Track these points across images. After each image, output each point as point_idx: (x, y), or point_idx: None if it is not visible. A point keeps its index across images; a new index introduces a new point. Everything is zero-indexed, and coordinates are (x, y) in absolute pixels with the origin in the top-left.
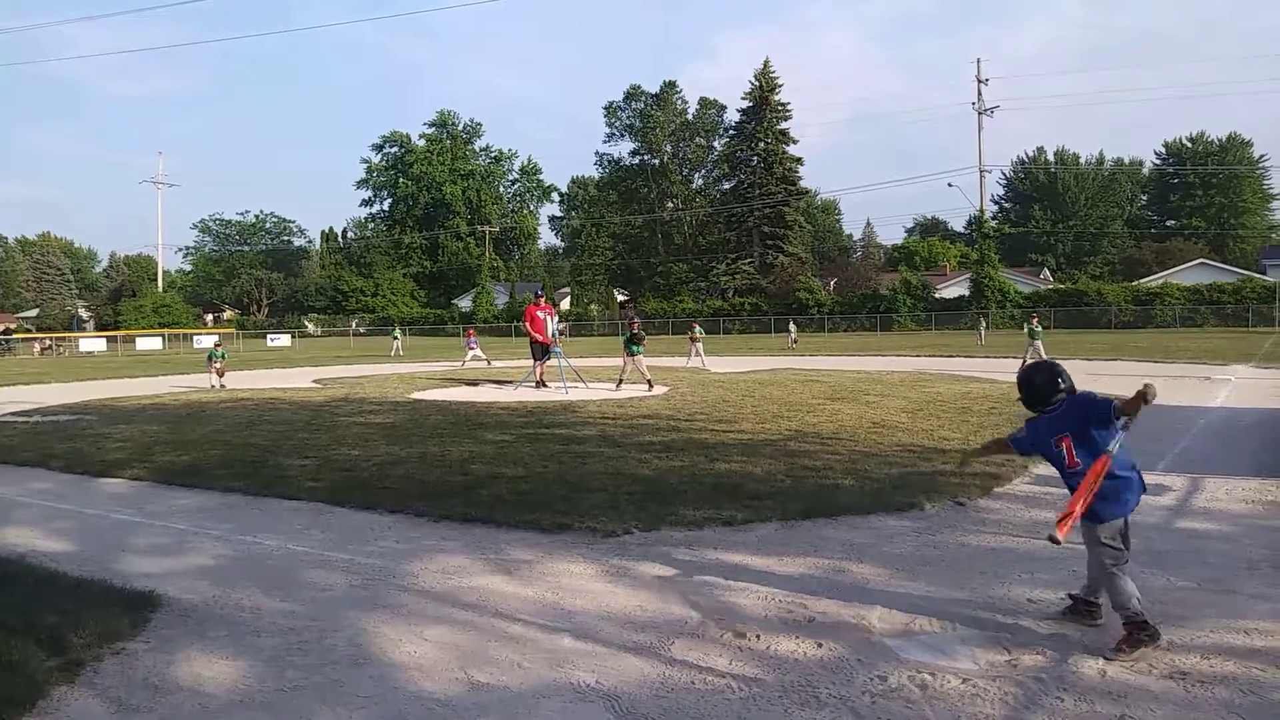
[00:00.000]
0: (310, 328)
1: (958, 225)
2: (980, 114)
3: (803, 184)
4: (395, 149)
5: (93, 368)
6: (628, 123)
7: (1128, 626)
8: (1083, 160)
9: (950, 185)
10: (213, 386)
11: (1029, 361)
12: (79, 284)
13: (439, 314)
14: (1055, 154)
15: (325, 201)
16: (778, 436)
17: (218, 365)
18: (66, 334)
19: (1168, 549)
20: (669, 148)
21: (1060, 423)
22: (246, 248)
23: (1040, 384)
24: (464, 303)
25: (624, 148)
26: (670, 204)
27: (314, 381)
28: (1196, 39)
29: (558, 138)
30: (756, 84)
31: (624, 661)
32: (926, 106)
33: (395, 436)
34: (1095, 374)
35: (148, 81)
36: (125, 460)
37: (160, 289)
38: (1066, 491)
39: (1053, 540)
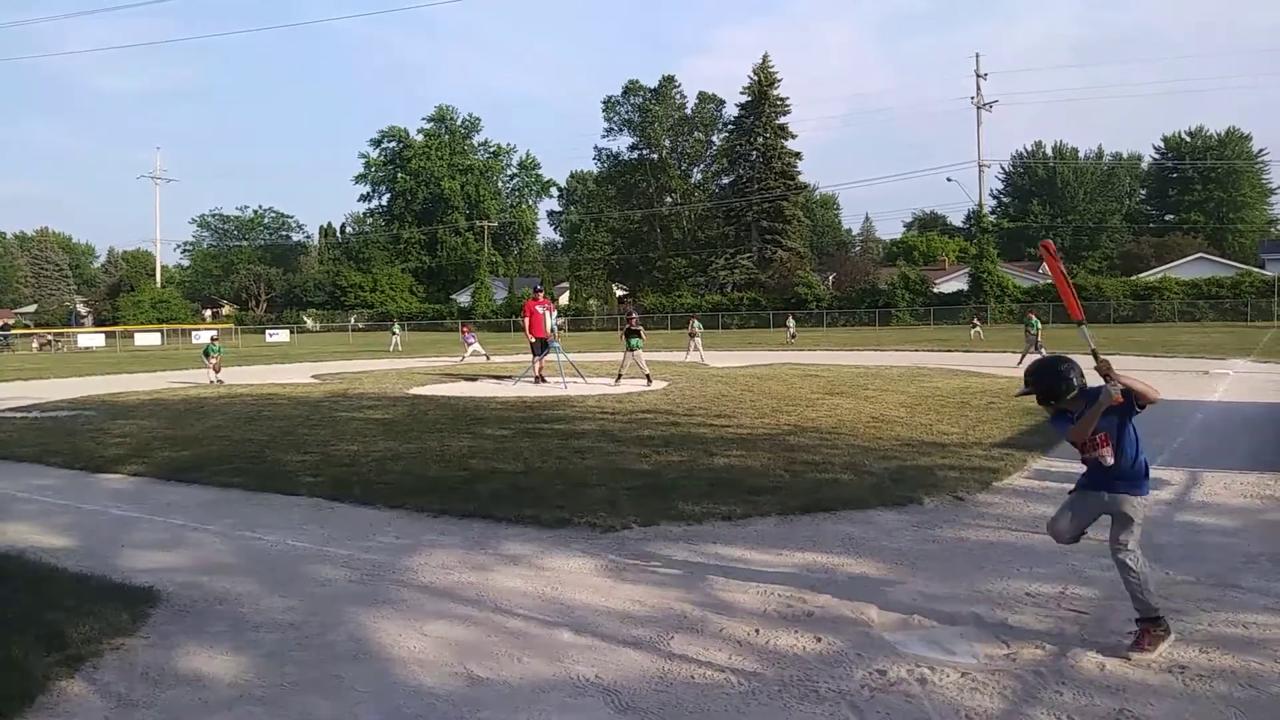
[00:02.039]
0: (309, 323)
1: (957, 220)
2: (979, 109)
3: (801, 179)
4: (394, 144)
5: (91, 363)
6: (626, 117)
7: (1147, 624)
8: (1081, 155)
9: (949, 180)
10: (211, 382)
11: (1040, 356)
12: (77, 279)
13: (438, 309)
14: (1053, 149)
15: (324, 197)
16: (776, 431)
17: (214, 360)
18: (65, 329)
19: (1166, 543)
20: (667, 142)
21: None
22: (245, 243)
23: (1072, 374)
24: (463, 298)
25: (623, 142)
26: (669, 199)
27: (313, 377)
28: (1194, 33)
29: (556, 133)
30: (755, 79)
31: (623, 656)
32: (924, 101)
33: (394, 432)
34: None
35: (145, 77)
36: (124, 456)
37: (159, 284)
38: (1062, 486)
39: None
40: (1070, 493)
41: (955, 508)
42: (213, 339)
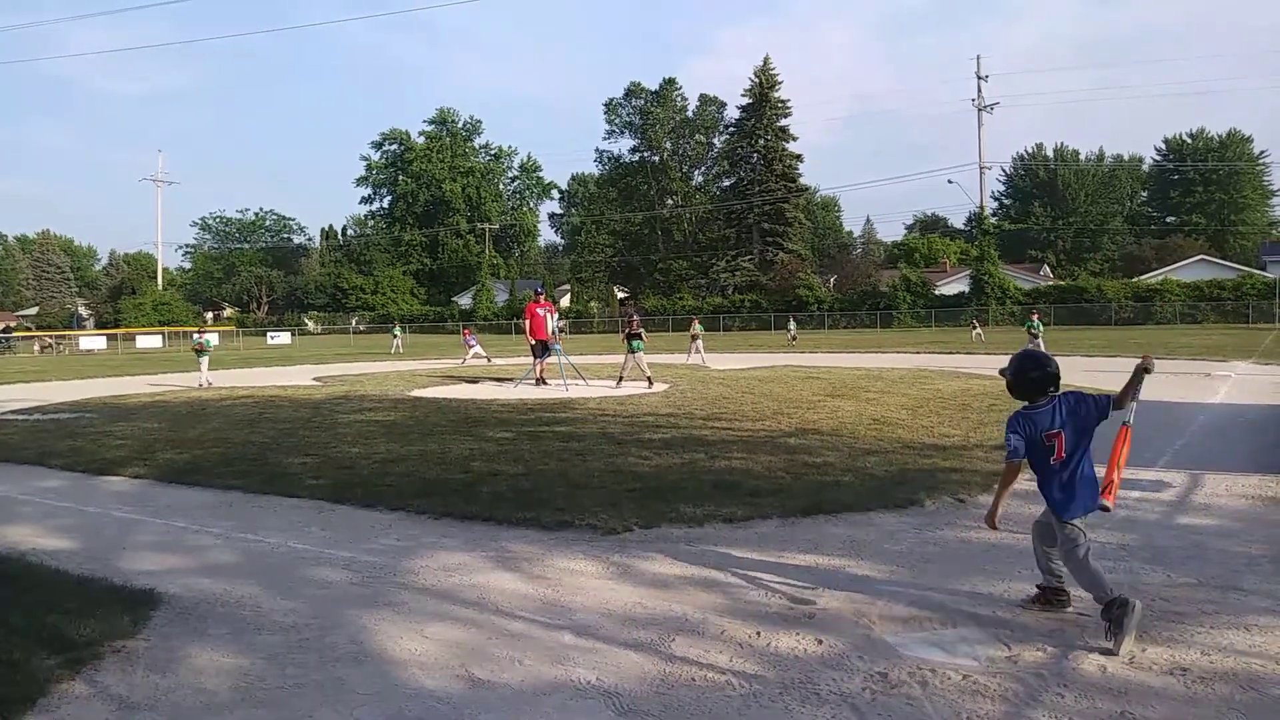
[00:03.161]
0: (310, 325)
1: (958, 222)
2: (980, 110)
3: (802, 181)
4: (395, 146)
5: (93, 366)
6: (628, 120)
7: (1107, 613)
8: (1082, 157)
9: (950, 182)
10: (200, 385)
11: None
12: (79, 282)
13: (439, 311)
14: (1054, 150)
15: (325, 199)
16: (778, 433)
17: (199, 345)
18: (66, 332)
19: (1168, 545)
20: (669, 145)
21: (1052, 418)
22: (246, 245)
23: (1037, 377)
24: (464, 300)
25: (624, 145)
26: (670, 201)
27: (314, 379)
28: (1196, 35)
29: (557, 135)
30: (756, 81)
31: (624, 658)
32: (926, 103)
33: (395, 434)
34: (1094, 370)
35: (147, 79)
36: (126, 458)
37: (160, 287)
38: None
39: (1104, 509)
40: None
41: (957, 510)
42: (200, 332)
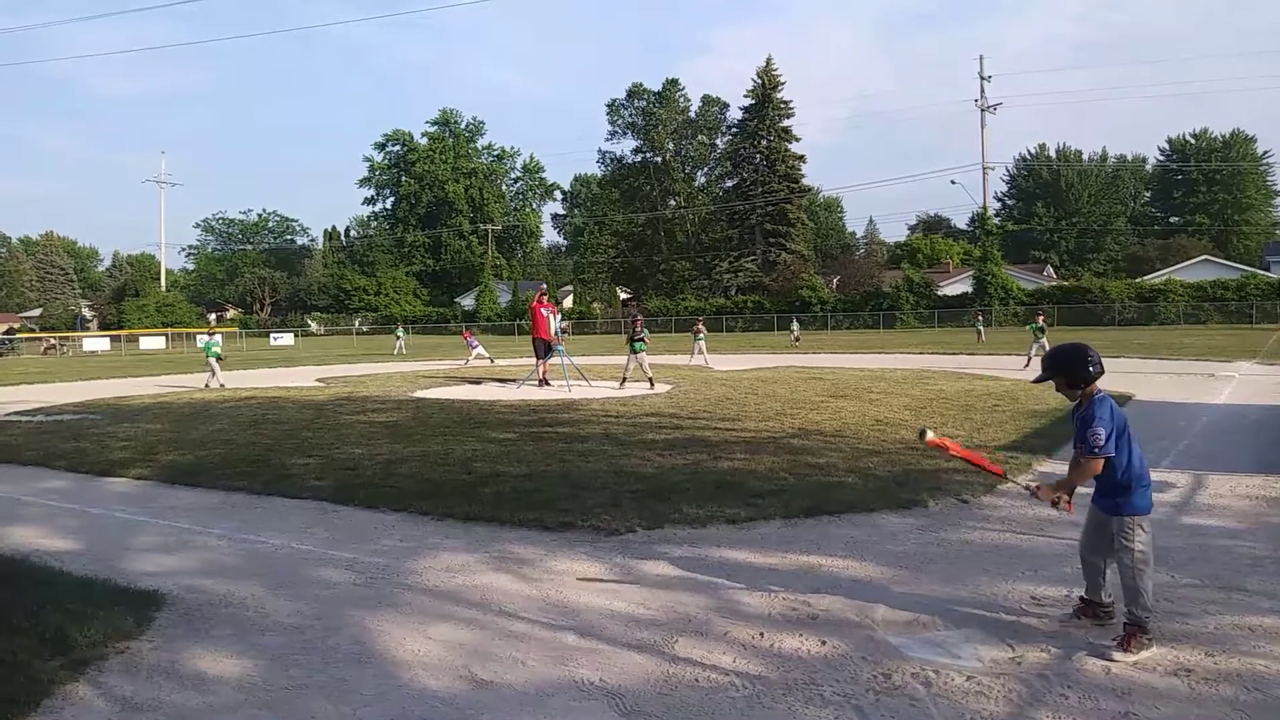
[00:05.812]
0: (313, 326)
1: (961, 222)
2: (983, 111)
3: (805, 182)
4: (398, 147)
5: (96, 367)
6: (630, 120)
7: (1133, 628)
8: (1085, 157)
9: (953, 182)
10: (207, 385)
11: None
12: (82, 283)
13: (442, 312)
14: (1057, 151)
15: (328, 200)
16: (781, 434)
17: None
18: (70, 333)
19: (1172, 546)
20: (671, 145)
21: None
22: (249, 247)
23: (1080, 367)
24: (467, 301)
25: (626, 145)
26: (673, 202)
27: (317, 380)
28: (1197, 35)
29: (560, 136)
30: (759, 81)
31: (627, 659)
32: (928, 104)
33: (398, 435)
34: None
35: (151, 81)
36: (129, 459)
37: (163, 288)
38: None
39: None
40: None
41: (959, 510)
42: (211, 332)
